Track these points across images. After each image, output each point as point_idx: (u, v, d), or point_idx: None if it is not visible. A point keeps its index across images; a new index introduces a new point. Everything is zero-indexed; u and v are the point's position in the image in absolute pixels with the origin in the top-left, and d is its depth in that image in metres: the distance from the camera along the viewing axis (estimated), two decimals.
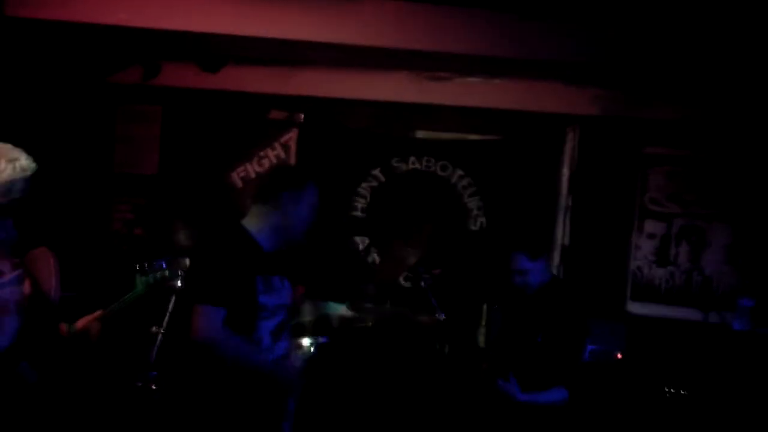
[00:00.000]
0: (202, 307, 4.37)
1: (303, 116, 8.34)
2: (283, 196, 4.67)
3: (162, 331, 6.23)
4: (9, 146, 4.79)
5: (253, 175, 8.41)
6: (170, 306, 6.20)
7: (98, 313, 5.44)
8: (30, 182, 4.82)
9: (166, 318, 6.22)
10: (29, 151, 4.89)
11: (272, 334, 4.61)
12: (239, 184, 8.44)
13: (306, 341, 6.16)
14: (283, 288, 4.71)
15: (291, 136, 8.38)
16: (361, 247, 8.10)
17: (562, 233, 7.85)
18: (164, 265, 5.79)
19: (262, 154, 8.42)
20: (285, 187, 4.71)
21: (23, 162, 4.77)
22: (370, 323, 6.80)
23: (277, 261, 4.67)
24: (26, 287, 5.10)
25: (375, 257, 8.11)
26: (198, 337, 4.39)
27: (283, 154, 8.38)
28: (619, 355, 7.09)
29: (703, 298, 7.78)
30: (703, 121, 7.78)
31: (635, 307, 7.83)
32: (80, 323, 5.39)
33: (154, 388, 6.13)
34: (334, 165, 8.14)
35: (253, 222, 4.69)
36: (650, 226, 7.84)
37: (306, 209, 4.70)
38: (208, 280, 4.43)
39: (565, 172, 7.89)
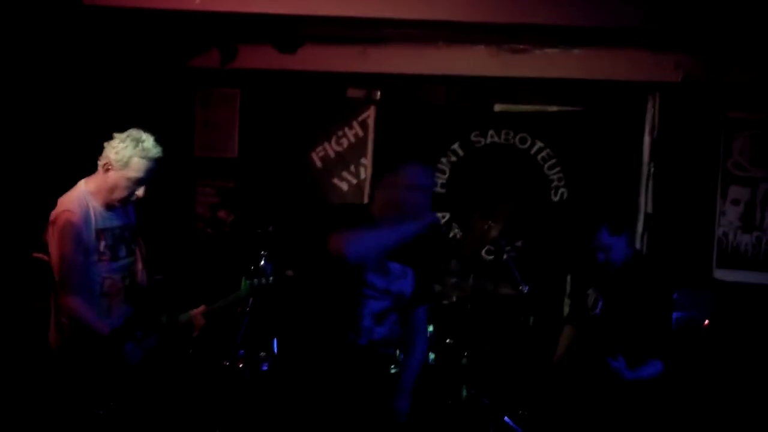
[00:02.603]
0: (335, 233, 4.41)
1: (380, 93, 8.34)
2: (380, 179, 4.68)
3: (248, 311, 6.29)
4: (141, 131, 5.01)
5: (332, 155, 8.44)
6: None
7: (203, 308, 5.55)
8: (152, 165, 5.00)
9: (251, 300, 6.28)
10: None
11: (375, 316, 4.63)
12: (318, 163, 8.47)
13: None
14: (402, 277, 4.71)
15: (369, 114, 8.38)
16: (442, 222, 8.07)
17: (645, 201, 7.77)
18: (269, 270, 5.86)
19: (340, 132, 8.44)
20: (384, 170, 4.71)
21: (147, 144, 5.02)
22: (455, 298, 6.80)
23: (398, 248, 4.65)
24: (138, 272, 5.29)
25: (456, 232, 8.10)
26: (345, 250, 4.41)
27: (361, 132, 8.39)
28: (707, 323, 7.02)
29: None
30: None
31: (721, 274, 7.71)
32: (189, 315, 5.51)
33: (241, 366, 6.20)
34: (413, 141, 8.14)
35: (374, 207, 4.70)
36: (735, 191, 7.70)
37: (402, 190, 4.65)
38: (328, 226, 4.49)
39: (647, 139, 7.79)
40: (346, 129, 8.42)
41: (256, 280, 5.78)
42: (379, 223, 4.58)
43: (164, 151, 5.15)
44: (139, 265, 5.47)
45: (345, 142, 8.43)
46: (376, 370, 4.72)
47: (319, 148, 8.46)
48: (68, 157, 5.28)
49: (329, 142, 8.44)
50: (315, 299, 4.61)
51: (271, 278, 5.86)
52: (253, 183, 8.53)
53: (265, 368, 6.23)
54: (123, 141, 4.96)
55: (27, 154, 6.76)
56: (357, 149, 8.40)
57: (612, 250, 5.65)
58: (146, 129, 4.94)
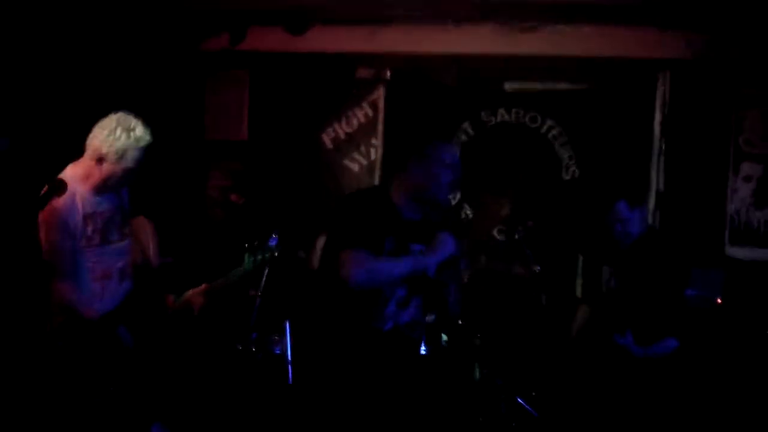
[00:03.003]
0: (347, 252, 4.45)
1: (390, 73, 8.31)
2: (410, 161, 4.69)
3: (260, 294, 6.29)
4: (129, 116, 4.95)
5: (342, 136, 8.43)
6: (266, 270, 6.25)
7: (204, 286, 5.53)
8: (144, 153, 4.96)
9: (263, 281, 6.28)
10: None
11: (399, 300, 4.64)
12: (329, 144, 8.46)
13: None
14: None
15: (379, 94, 8.35)
16: (452, 202, 8.05)
17: (656, 179, 7.73)
18: (273, 244, 5.83)
19: (350, 113, 8.42)
20: (410, 152, 4.72)
21: (139, 132, 4.93)
22: (467, 278, 6.80)
23: (416, 229, 4.67)
24: (133, 255, 5.26)
25: (467, 212, 8.08)
26: (350, 278, 4.45)
27: (371, 113, 8.37)
28: (719, 300, 7.01)
29: None
30: None
31: (734, 251, 7.67)
32: (187, 295, 5.50)
33: (254, 350, 6.20)
34: (423, 121, 8.10)
35: (394, 190, 4.71)
36: (746, 168, 7.66)
37: (436, 170, 4.67)
38: (343, 230, 4.53)
39: (658, 117, 7.74)
40: (357, 109, 8.40)
41: (260, 255, 5.75)
42: (402, 208, 4.62)
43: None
44: (150, 248, 5.46)
45: (355, 122, 8.41)
46: (402, 355, 4.73)
47: (330, 129, 8.44)
48: (79, 142, 5.25)
49: (339, 123, 8.43)
50: (338, 291, 4.61)
51: (276, 253, 5.82)
52: (263, 165, 8.52)
53: (278, 351, 6.24)
54: (113, 132, 4.86)
55: (37, 139, 6.77)
56: (367, 130, 8.38)
57: (629, 223, 5.66)
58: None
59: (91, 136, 4.95)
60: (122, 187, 5.13)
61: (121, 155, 4.89)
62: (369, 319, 4.58)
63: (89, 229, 4.97)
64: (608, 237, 5.79)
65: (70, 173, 4.95)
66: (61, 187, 4.60)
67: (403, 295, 4.64)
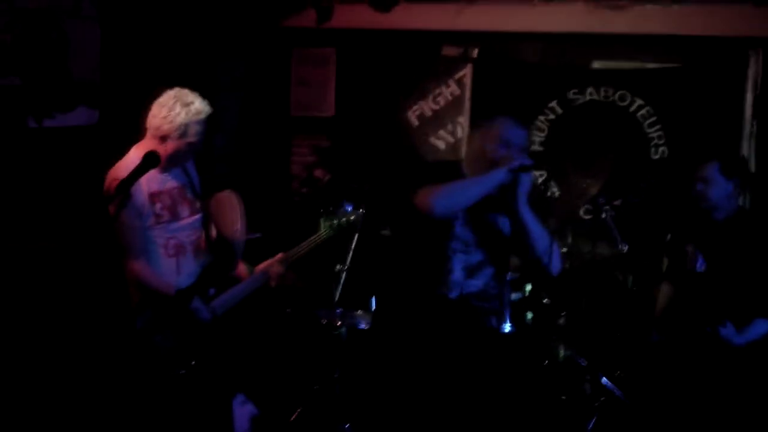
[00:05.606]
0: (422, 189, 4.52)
1: (477, 51, 8.27)
2: (475, 131, 4.74)
3: (346, 269, 6.30)
4: (184, 90, 4.97)
5: (428, 113, 8.41)
6: (353, 245, 6.25)
7: (279, 256, 5.55)
8: (205, 125, 4.98)
9: (350, 256, 6.28)
10: (209, 97, 5.05)
11: (465, 269, 4.64)
12: (415, 122, 8.45)
13: None
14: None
15: (466, 72, 8.32)
16: (539, 180, 8.00)
17: (747, 160, 7.60)
18: (349, 209, 5.83)
19: (437, 91, 8.40)
20: (478, 122, 4.78)
21: (197, 105, 4.95)
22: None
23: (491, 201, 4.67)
24: (208, 230, 5.28)
25: (554, 190, 8.02)
26: (430, 205, 4.48)
27: (458, 91, 8.34)
28: None
29: None
30: None
31: None
32: (260, 266, 5.52)
33: (339, 324, 6.21)
34: (510, 99, 8.06)
35: (465, 161, 4.78)
36: None
37: (497, 144, 4.67)
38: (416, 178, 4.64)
39: (749, 96, 7.61)
40: (443, 87, 8.37)
41: (336, 221, 5.74)
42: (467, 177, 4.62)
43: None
44: (235, 222, 5.47)
45: (441, 100, 8.38)
46: (468, 323, 4.71)
47: (416, 107, 8.43)
48: None
49: (425, 100, 8.41)
50: (406, 255, 4.65)
51: (351, 216, 5.80)
52: (349, 142, 8.55)
53: (362, 326, 6.24)
54: (173, 108, 4.89)
55: (122, 116, 6.84)
56: (454, 107, 8.35)
57: (712, 187, 5.55)
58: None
59: (150, 116, 4.98)
60: (188, 160, 5.17)
61: (183, 131, 4.92)
62: (433, 285, 4.60)
63: (157, 206, 5.04)
64: (696, 213, 5.71)
65: (134, 155, 4.98)
66: (157, 159, 4.65)
67: (473, 263, 4.64)
